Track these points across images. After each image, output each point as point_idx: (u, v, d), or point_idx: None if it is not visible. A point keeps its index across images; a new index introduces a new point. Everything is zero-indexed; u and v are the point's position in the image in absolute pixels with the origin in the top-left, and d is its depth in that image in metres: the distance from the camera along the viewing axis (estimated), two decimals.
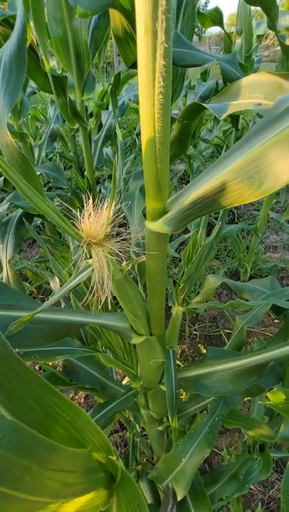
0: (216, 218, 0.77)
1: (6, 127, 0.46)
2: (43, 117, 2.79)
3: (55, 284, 0.81)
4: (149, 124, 0.27)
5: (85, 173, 1.41)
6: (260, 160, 0.26)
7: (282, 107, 0.26)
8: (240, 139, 0.30)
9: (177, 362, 1.52)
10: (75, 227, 0.39)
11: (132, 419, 1.00)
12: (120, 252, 0.40)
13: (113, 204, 0.39)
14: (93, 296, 0.40)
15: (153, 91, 0.25)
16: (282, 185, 0.26)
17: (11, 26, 0.80)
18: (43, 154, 1.45)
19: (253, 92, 0.41)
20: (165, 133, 0.28)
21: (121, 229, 0.42)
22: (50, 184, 2.63)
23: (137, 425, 0.98)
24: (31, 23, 0.64)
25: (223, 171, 0.29)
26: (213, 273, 2.08)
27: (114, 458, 0.29)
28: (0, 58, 0.52)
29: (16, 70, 0.52)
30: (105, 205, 0.40)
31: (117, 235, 0.41)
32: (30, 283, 2.01)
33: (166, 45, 0.22)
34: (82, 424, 0.28)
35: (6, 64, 0.48)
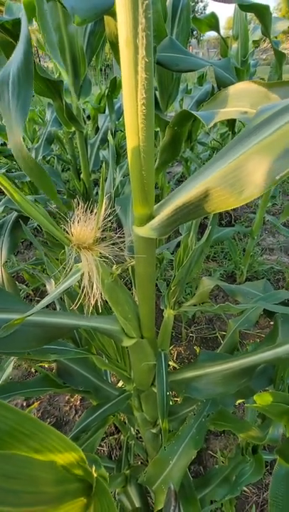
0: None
1: (21, 141, 0.47)
2: (40, 120, 2.80)
3: (50, 286, 0.82)
4: (133, 134, 0.28)
5: (81, 176, 1.42)
6: (240, 168, 0.27)
7: (262, 118, 0.27)
8: (224, 147, 0.31)
9: (173, 364, 1.53)
10: (67, 231, 0.39)
11: (126, 421, 1.00)
12: (110, 256, 0.40)
13: (103, 208, 0.40)
14: (84, 299, 0.41)
15: (136, 102, 0.26)
16: (262, 193, 0.27)
17: (7, 31, 0.81)
18: (40, 157, 1.46)
19: (240, 100, 0.42)
20: (149, 142, 0.28)
21: (112, 233, 0.42)
22: None
23: (132, 428, 0.98)
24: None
25: (207, 179, 0.30)
26: (210, 275, 2.08)
27: (86, 465, 0.29)
28: (8, 73, 0.51)
29: (25, 83, 0.51)
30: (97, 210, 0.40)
31: (111, 238, 0.42)
32: (27, 285, 2.01)
33: (146, 60, 0.23)
34: (44, 436, 0.27)
35: (14, 78, 0.49)
